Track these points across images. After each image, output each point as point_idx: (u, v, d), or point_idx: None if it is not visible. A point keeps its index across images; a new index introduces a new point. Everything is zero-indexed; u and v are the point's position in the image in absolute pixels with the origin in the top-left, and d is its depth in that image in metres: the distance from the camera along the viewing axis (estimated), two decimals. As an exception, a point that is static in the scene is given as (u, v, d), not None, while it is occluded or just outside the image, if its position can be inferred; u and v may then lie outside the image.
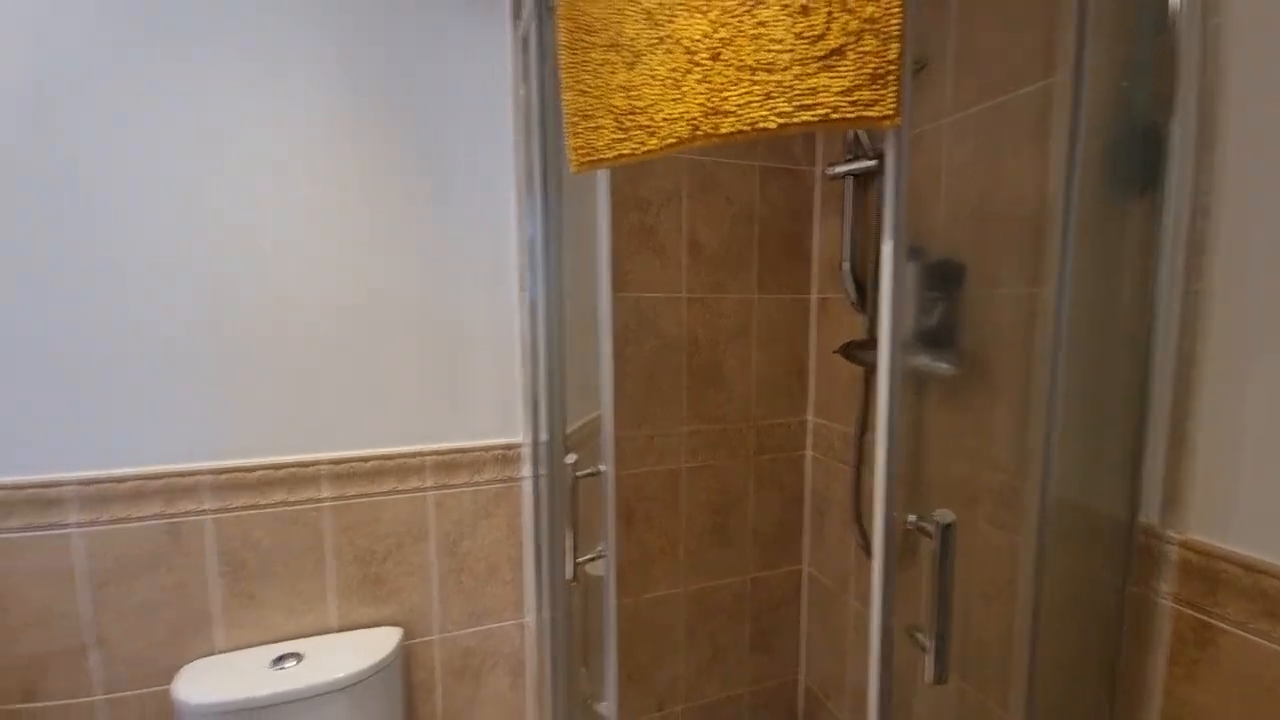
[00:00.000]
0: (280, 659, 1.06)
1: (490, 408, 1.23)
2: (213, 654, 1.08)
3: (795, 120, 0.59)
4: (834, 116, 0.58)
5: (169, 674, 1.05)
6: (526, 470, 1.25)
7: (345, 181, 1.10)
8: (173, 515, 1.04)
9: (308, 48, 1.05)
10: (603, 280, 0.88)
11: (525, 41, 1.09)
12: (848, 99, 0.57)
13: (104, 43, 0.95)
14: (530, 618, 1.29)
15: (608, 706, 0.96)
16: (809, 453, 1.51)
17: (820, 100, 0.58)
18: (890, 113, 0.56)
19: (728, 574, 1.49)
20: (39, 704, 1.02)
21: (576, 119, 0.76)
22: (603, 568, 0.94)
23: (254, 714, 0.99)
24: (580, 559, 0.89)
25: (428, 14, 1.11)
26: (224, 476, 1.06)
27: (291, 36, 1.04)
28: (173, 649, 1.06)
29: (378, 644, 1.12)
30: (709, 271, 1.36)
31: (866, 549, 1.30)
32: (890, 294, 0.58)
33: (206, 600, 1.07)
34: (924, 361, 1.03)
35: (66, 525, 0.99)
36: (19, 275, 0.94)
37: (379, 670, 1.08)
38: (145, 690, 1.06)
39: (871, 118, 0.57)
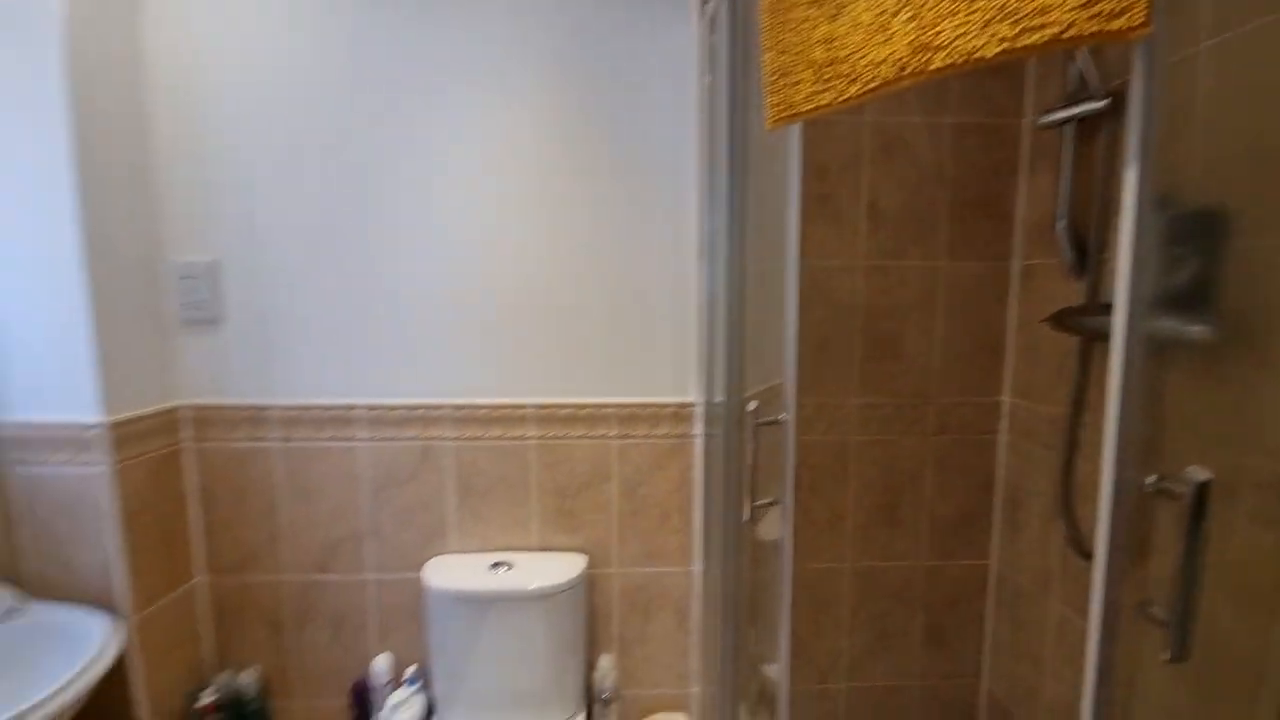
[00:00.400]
0: (496, 564, 1.28)
1: (667, 368, 1.33)
2: (448, 554, 1.34)
3: (1019, 45, 0.57)
4: (1068, 35, 0.55)
5: (418, 565, 1.33)
6: (698, 429, 1.34)
7: (548, 168, 1.28)
8: (426, 439, 1.31)
9: (512, 58, 1.25)
10: (791, 247, 0.91)
11: (713, 21, 1.17)
12: (1086, 12, 0.53)
13: (385, 80, 1.23)
14: (696, 567, 1.37)
15: (778, 669, 0.99)
16: (1002, 436, 1.37)
17: (1050, 19, 0.56)
18: (1140, 21, 0.52)
19: (898, 557, 1.42)
20: (334, 576, 1.36)
21: (775, 77, 0.81)
22: (774, 528, 0.98)
23: (476, 603, 1.21)
24: (757, 503, 0.94)
25: (620, 11, 1.24)
26: (461, 411, 1.31)
27: (499, 53, 1.24)
28: (422, 546, 1.34)
29: (569, 566, 1.29)
30: (889, 238, 1.31)
31: (1078, 547, 1.16)
32: (1132, 234, 0.53)
33: (445, 510, 1.34)
34: (1169, 325, 0.89)
35: (356, 440, 1.31)
36: (335, 258, 1.27)
37: (570, 588, 1.25)
38: (402, 575, 1.35)
39: (1115, 30, 0.53)
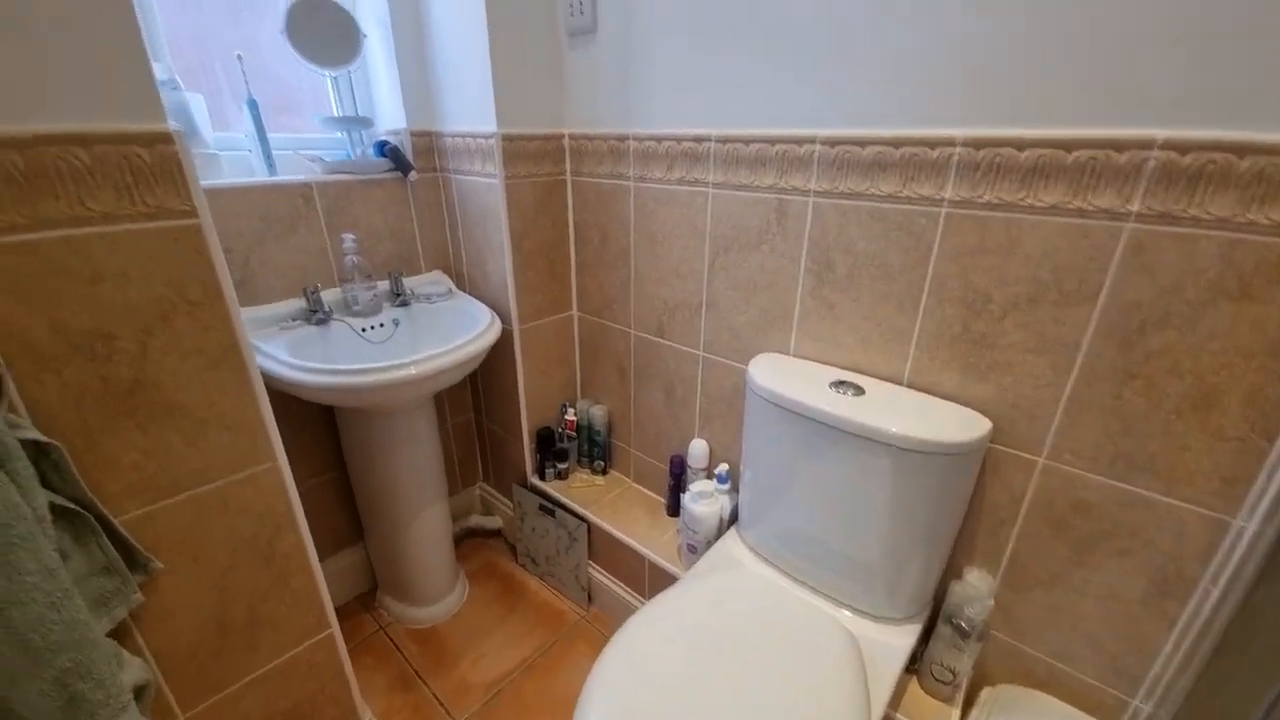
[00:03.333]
0: (840, 383, 0.89)
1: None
2: (784, 353, 1.03)
3: None
4: None
5: (746, 355, 1.07)
6: None
7: None
8: (782, 190, 0.93)
9: None
10: None
11: None
12: None
13: None
14: (1252, 523, 0.65)
15: None
16: None
17: None
18: None
19: None
20: (669, 342, 1.24)
21: None
22: None
23: (804, 423, 0.88)
24: None
25: None
26: (835, 149, 0.85)
27: None
28: (755, 331, 1.06)
29: (957, 423, 0.79)
30: None
31: None
32: None
33: (792, 295, 0.99)
34: None
35: (704, 184, 1.04)
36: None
37: (947, 455, 0.77)
38: (728, 361, 1.13)
39: None
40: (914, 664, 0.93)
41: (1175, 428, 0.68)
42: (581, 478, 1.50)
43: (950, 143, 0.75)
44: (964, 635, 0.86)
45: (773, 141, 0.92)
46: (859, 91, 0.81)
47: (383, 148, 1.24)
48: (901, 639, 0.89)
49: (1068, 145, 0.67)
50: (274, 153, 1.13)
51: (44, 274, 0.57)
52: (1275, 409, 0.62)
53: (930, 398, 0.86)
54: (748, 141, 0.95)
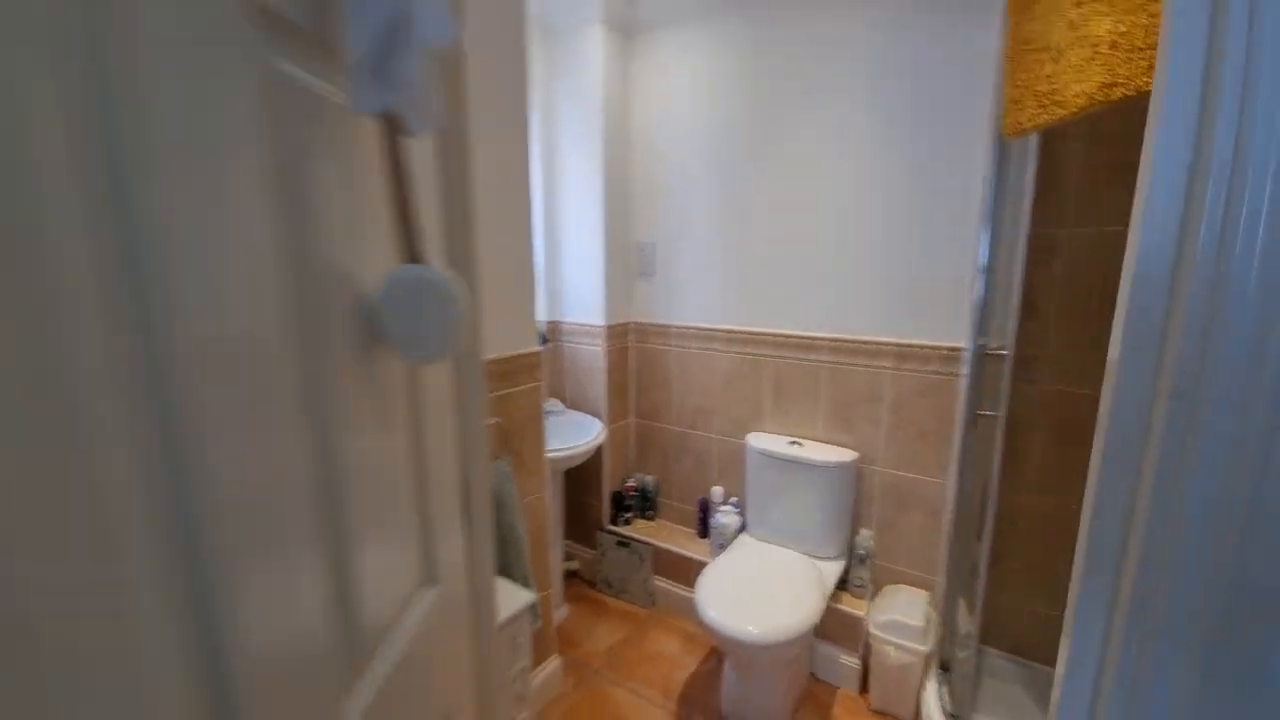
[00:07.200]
0: (792, 442, 1.91)
1: (942, 316, 1.66)
2: (761, 431, 2.05)
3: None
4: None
5: (743, 434, 2.07)
6: (965, 369, 1.63)
7: (866, 152, 1.73)
8: (754, 354, 2.02)
9: (851, 84, 1.71)
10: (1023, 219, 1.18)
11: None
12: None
13: (760, 115, 1.89)
14: (951, 483, 1.69)
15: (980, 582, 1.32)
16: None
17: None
18: None
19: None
20: (696, 431, 2.23)
21: (1009, 104, 1.11)
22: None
23: (777, 463, 1.88)
24: (980, 411, 1.28)
25: (932, 21, 1.56)
26: (776, 338, 1.96)
27: (838, 69, 1.72)
28: (747, 422, 2.08)
29: (843, 455, 1.82)
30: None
31: None
32: None
33: (763, 402, 2.03)
34: None
35: (714, 350, 2.12)
36: (716, 235, 2.05)
37: (842, 468, 1.79)
38: (733, 439, 2.13)
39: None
40: (844, 584, 1.86)
41: (918, 446, 1.74)
42: (640, 523, 2.37)
43: (821, 339, 1.86)
44: (863, 560, 1.81)
45: (750, 334, 2.02)
46: (786, 312, 1.93)
47: (533, 332, 2.24)
48: (835, 566, 1.83)
49: (862, 343, 1.79)
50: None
51: (503, 406, 1.50)
52: (945, 438, 1.69)
53: (831, 445, 1.89)
54: (736, 332, 2.05)
